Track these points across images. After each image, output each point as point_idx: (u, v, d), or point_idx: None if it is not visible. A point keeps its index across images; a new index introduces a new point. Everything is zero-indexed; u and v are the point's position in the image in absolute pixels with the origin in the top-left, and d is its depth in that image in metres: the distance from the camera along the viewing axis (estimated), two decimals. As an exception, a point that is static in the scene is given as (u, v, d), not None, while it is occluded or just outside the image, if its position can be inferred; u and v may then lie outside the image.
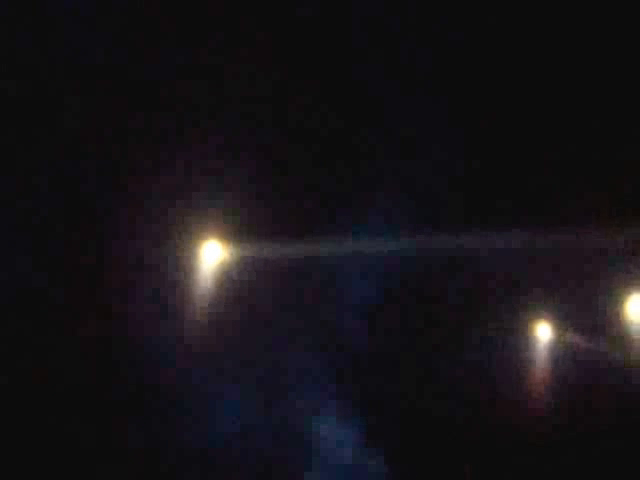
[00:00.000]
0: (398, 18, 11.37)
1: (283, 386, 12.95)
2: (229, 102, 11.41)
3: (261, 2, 11.20)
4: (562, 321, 14.21)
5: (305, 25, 11.43)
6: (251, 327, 12.57)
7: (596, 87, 11.67)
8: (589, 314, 13.64)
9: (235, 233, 12.21)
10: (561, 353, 14.35)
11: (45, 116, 11.06)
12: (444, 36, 11.40)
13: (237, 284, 12.41)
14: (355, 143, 12.07)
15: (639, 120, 11.80)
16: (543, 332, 14.48)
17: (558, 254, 12.66)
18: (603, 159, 12.03)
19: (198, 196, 11.75)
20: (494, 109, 11.90)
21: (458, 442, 13.93)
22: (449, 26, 11.38)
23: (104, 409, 11.88)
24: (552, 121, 11.95)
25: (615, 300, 13.53)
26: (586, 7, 11.11)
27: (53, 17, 10.63)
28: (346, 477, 13.42)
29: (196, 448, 12.29)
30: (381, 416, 13.61)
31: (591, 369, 13.87)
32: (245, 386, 12.53)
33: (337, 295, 13.02)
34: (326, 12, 11.30)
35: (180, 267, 12.12)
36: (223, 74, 11.29)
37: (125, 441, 11.96)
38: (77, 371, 11.76)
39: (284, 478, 13.07)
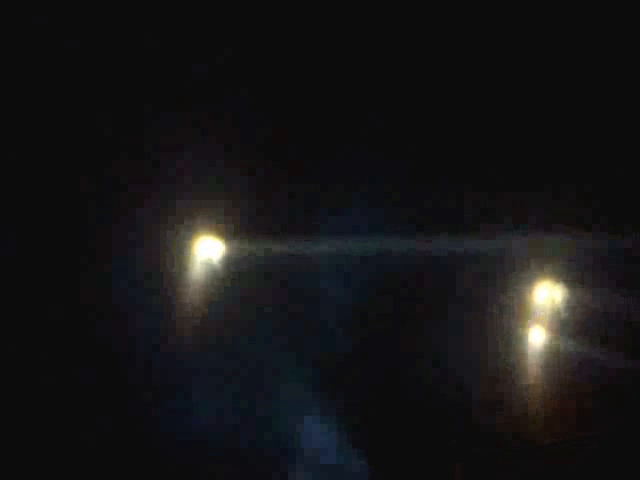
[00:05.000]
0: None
1: (267, 385, 12.99)
2: (227, 101, 11.49)
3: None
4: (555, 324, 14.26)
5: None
6: (242, 324, 12.63)
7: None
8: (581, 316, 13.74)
9: (231, 230, 12.26)
10: (553, 356, 14.40)
11: (41, 113, 11.12)
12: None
13: (230, 281, 12.47)
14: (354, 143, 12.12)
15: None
16: (536, 335, 14.49)
17: (550, 255, 12.76)
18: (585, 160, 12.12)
19: (194, 192, 11.81)
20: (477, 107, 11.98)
21: (445, 442, 13.97)
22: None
23: (89, 406, 11.95)
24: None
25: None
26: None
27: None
28: (329, 477, 13.45)
29: (179, 446, 12.32)
30: (365, 416, 13.63)
31: (584, 372, 13.96)
32: (230, 385, 12.60)
33: (325, 294, 13.06)
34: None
35: (175, 263, 12.18)
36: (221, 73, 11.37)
37: (109, 438, 12.02)
38: (68, 367, 11.85)
39: (268, 478, 13.11)
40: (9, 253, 11.26)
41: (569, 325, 13.84)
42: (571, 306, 13.65)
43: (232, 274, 12.47)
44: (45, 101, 11.04)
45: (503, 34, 11.55)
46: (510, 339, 14.25)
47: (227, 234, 12.32)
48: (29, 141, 11.14)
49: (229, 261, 12.44)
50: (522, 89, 11.75)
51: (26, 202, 11.37)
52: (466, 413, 13.84)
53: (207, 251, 12.38)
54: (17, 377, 11.57)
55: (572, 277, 13.40)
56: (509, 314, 13.97)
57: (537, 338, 14.27)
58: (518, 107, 11.94)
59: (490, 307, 13.68)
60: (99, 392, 11.98)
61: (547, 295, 13.72)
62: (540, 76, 11.60)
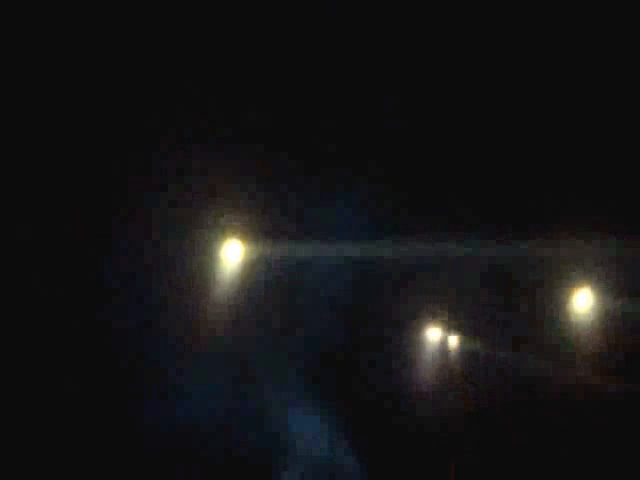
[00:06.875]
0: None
1: (267, 384, 13.04)
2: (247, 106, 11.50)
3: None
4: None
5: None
6: (258, 324, 12.71)
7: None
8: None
9: (257, 233, 12.36)
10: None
11: (63, 114, 11.06)
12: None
13: (255, 283, 12.53)
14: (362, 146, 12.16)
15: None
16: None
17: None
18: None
19: (221, 196, 11.88)
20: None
21: (436, 440, 14.10)
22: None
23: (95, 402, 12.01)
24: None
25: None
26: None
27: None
28: (321, 474, 13.50)
29: (175, 444, 12.41)
30: (356, 413, 13.71)
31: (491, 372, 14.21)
32: (230, 384, 12.68)
33: (334, 295, 13.12)
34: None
35: (202, 266, 12.21)
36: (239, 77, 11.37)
37: (108, 433, 12.07)
38: (88, 368, 11.93)
39: (260, 475, 13.12)
40: (40, 251, 11.26)
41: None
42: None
43: (252, 275, 12.52)
44: (61, 102, 11.00)
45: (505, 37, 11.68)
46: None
47: (249, 237, 12.38)
48: (50, 146, 11.11)
49: (250, 262, 12.48)
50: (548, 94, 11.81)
51: (60, 202, 11.36)
52: (461, 413, 14.03)
53: (231, 253, 12.43)
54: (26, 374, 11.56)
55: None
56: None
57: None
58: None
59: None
60: (109, 389, 12.06)
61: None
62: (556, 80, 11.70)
